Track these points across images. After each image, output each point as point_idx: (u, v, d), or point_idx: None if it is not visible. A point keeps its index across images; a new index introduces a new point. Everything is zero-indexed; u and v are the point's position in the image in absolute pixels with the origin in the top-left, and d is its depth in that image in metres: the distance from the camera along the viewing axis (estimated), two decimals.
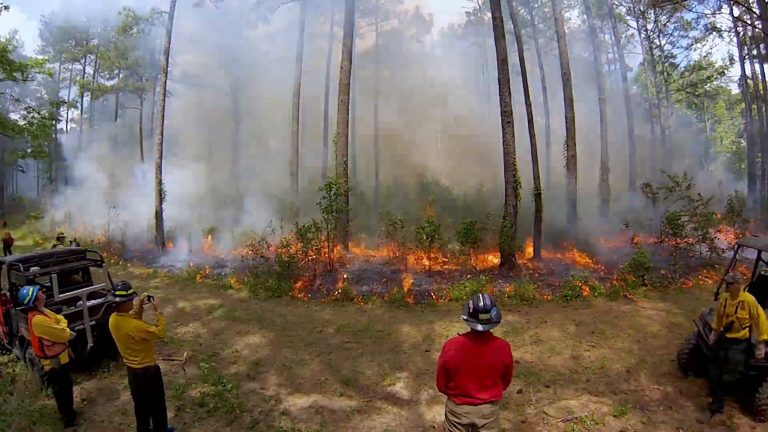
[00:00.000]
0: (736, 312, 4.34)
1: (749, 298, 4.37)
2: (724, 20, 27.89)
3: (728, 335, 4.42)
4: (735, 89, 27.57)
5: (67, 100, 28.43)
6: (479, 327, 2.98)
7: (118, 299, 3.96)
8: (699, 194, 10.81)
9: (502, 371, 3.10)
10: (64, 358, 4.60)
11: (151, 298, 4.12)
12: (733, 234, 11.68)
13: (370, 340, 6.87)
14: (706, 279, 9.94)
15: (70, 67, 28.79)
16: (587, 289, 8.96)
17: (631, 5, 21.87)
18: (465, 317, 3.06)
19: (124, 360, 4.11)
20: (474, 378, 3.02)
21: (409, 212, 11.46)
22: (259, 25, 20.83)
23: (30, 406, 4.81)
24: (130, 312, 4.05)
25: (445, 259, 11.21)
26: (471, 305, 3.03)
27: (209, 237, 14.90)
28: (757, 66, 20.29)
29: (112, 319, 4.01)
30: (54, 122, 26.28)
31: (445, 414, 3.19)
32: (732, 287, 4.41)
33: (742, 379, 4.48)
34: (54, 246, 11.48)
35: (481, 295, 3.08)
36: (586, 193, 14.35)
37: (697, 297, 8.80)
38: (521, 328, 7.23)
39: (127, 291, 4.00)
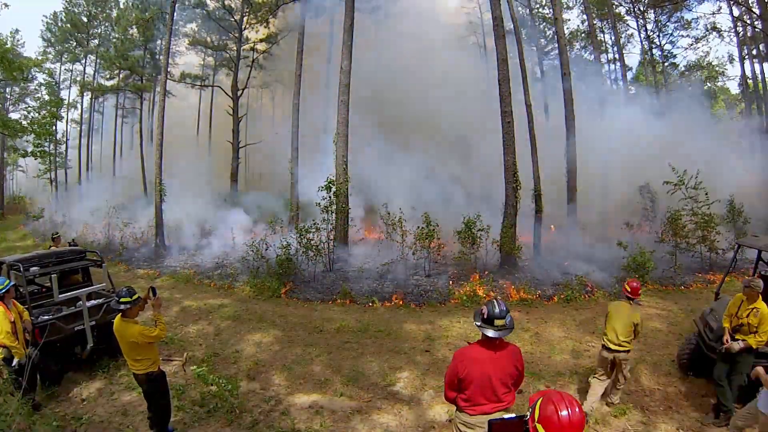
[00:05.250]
0: (747, 316, 4.30)
1: (764, 307, 4.28)
2: (724, 20, 27.96)
3: (737, 336, 4.39)
4: (735, 89, 27.59)
5: (67, 100, 28.48)
6: (491, 333, 2.88)
7: (122, 307, 3.92)
8: (706, 194, 10.80)
9: (516, 377, 3.03)
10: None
11: (154, 291, 4.12)
12: (734, 234, 11.68)
13: (370, 340, 6.87)
14: (707, 281, 9.94)
15: (70, 67, 28.81)
16: (595, 291, 8.96)
17: (631, 5, 21.89)
18: (478, 323, 2.96)
19: (129, 366, 4.14)
20: (489, 387, 2.92)
21: (409, 212, 11.44)
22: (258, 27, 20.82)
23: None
24: (136, 318, 4.06)
25: (445, 259, 11.20)
26: (485, 311, 2.93)
27: (210, 237, 14.90)
28: (757, 66, 20.30)
29: (117, 323, 3.99)
30: (55, 121, 26.31)
31: (456, 426, 3.08)
32: (751, 291, 4.31)
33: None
34: (50, 247, 11.45)
35: (495, 301, 2.98)
36: (586, 193, 14.34)
37: (698, 297, 8.81)
38: (522, 327, 7.23)
39: (131, 297, 3.96)
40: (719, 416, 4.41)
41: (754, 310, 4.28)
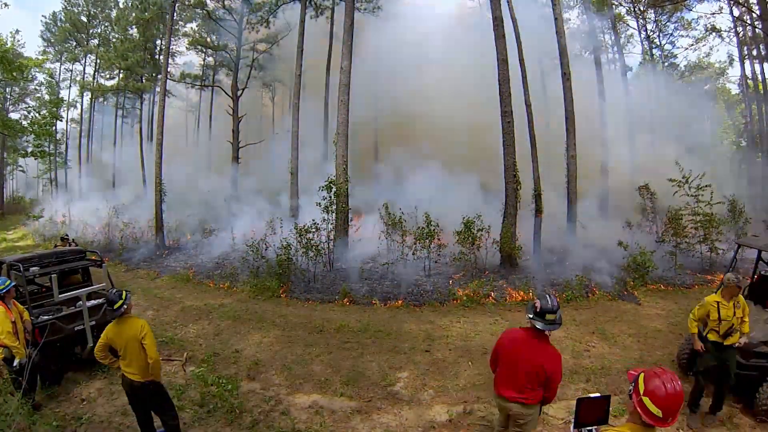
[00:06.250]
0: (735, 314, 4.27)
1: (741, 297, 4.37)
2: (724, 20, 27.97)
3: (726, 342, 4.31)
4: (735, 89, 27.61)
5: (67, 100, 28.49)
6: (540, 326, 2.98)
7: (122, 309, 3.77)
8: (711, 193, 10.84)
9: (543, 379, 3.00)
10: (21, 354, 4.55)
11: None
12: (734, 234, 11.69)
13: (370, 340, 6.87)
14: (707, 281, 9.94)
15: (70, 67, 28.81)
16: (595, 290, 8.96)
17: (631, 5, 21.89)
18: (530, 316, 3.05)
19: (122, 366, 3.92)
20: (509, 372, 3.03)
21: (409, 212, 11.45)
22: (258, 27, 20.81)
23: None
24: (131, 313, 3.96)
25: (445, 259, 11.18)
26: (538, 304, 3.02)
27: (210, 236, 14.90)
28: (757, 66, 20.30)
29: (111, 327, 3.83)
30: (55, 121, 26.31)
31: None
32: (730, 289, 4.28)
33: (743, 379, 4.47)
34: (55, 246, 11.49)
35: (548, 296, 3.07)
36: (586, 193, 14.32)
37: (698, 297, 8.79)
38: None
39: (122, 297, 3.80)
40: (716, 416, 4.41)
41: (735, 302, 4.30)
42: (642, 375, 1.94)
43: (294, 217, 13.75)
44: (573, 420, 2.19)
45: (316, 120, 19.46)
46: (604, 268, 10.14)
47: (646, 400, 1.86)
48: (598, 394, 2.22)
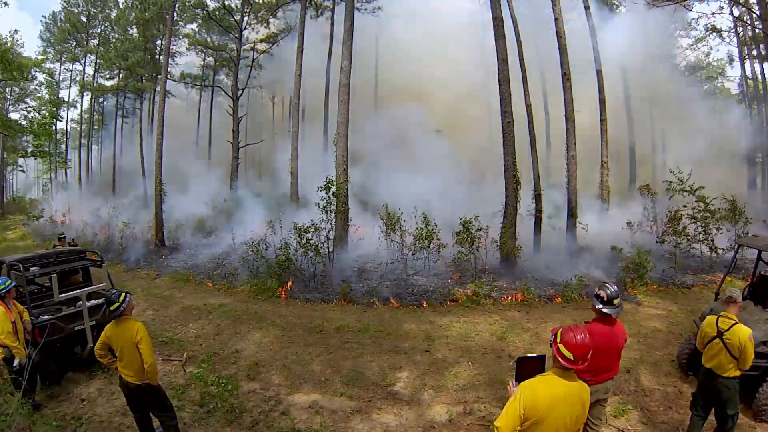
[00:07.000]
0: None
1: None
2: (724, 20, 27.94)
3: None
4: (735, 89, 27.58)
5: (67, 100, 28.51)
6: (610, 311, 3.39)
7: (122, 307, 3.74)
8: (706, 197, 10.90)
9: (622, 348, 3.55)
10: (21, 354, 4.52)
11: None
12: (734, 234, 11.69)
13: (370, 340, 6.87)
14: (707, 281, 9.94)
15: (70, 67, 28.81)
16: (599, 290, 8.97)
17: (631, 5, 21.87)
18: (599, 306, 3.43)
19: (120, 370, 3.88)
20: (606, 359, 3.36)
21: (409, 211, 11.45)
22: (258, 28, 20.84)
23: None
24: (131, 314, 3.92)
25: (444, 259, 11.18)
26: (603, 294, 3.43)
27: (210, 237, 14.90)
28: (757, 66, 20.31)
29: (111, 327, 3.80)
30: (55, 121, 26.36)
31: None
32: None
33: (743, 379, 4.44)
34: (54, 246, 11.48)
35: (608, 284, 3.47)
36: (586, 193, 14.33)
37: (698, 297, 8.81)
38: (522, 327, 7.23)
39: (119, 299, 3.76)
40: None
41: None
42: (560, 330, 2.41)
43: (294, 217, 13.75)
44: (514, 376, 2.58)
45: (317, 120, 19.45)
46: (604, 268, 10.14)
47: (561, 346, 2.34)
48: (535, 354, 2.62)
